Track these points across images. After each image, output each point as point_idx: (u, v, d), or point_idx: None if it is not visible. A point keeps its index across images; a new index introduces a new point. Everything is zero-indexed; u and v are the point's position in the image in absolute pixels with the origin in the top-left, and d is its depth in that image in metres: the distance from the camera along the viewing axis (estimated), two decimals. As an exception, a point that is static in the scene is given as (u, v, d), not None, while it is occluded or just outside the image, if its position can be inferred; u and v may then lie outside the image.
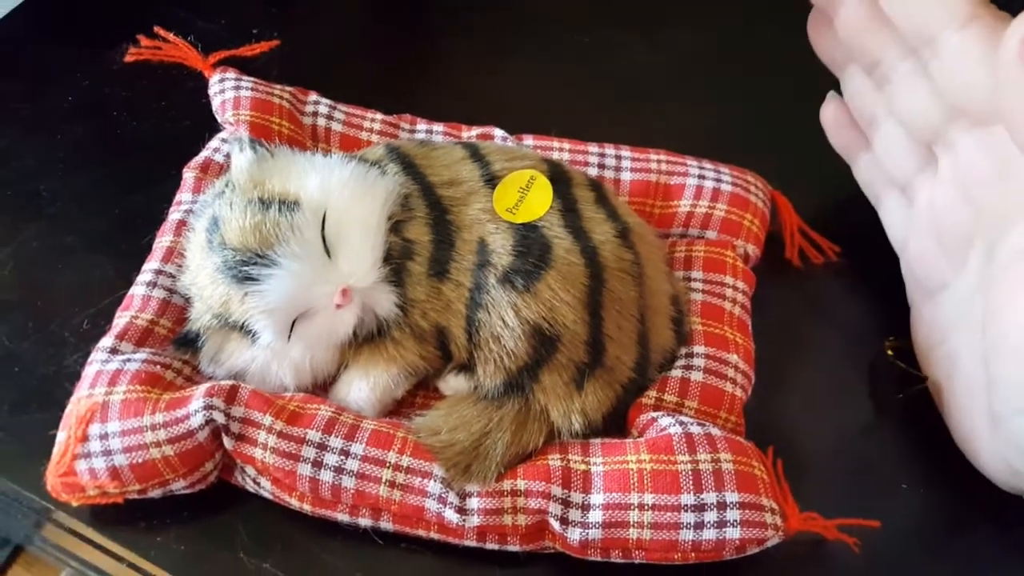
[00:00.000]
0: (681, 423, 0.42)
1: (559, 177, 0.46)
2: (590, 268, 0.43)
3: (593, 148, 0.54)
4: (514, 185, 0.46)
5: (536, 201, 0.45)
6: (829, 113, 0.54)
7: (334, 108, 0.55)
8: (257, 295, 0.41)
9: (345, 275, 0.42)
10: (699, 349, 0.46)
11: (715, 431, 0.42)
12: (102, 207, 0.56)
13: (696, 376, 0.45)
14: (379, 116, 0.55)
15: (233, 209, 0.42)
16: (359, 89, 0.59)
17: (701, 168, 0.53)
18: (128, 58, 0.58)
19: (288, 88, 0.55)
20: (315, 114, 0.55)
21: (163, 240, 0.49)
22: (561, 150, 0.53)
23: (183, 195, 0.51)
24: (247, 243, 0.41)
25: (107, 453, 0.41)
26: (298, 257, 0.41)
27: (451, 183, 0.45)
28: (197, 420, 0.41)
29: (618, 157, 0.54)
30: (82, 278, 0.52)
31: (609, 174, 0.53)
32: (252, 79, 0.55)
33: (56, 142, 0.59)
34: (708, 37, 0.70)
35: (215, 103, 0.54)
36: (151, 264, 0.48)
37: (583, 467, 0.41)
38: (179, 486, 0.41)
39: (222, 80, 0.54)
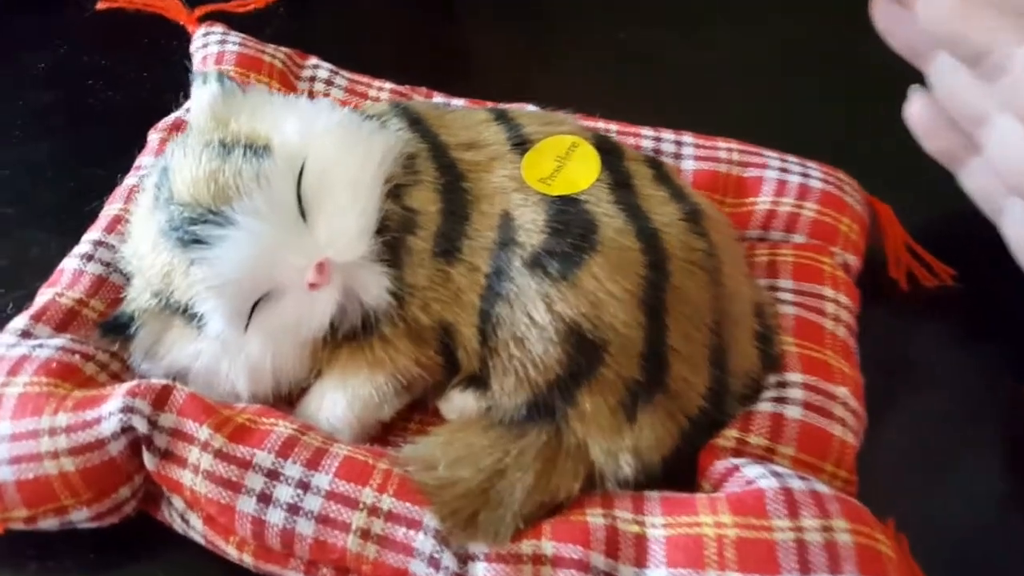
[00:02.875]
0: (776, 474, 0.31)
1: (607, 148, 0.37)
2: (649, 255, 0.33)
3: (647, 131, 0.45)
4: (550, 152, 0.36)
5: (578, 172, 0.35)
6: (917, 113, 0.45)
7: (336, 73, 0.48)
8: (205, 264, 0.32)
9: (323, 245, 0.33)
10: (795, 377, 0.35)
11: (822, 488, 0.31)
12: (55, 178, 0.50)
13: (793, 412, 0.34)
14: (388, 85, 0.48)
15: (187, 155, 0.33)
16: (367, 63, 0.51)
17: (783, 161, 0.44)
18: (100, 5, 0.51)
19: (284, 49, 0.48)
20: (313, 79, 0.47)
21: (111, 208, 0.41)
22: (607, 132, 0.44)
23: (144, 159, 0.44)
24: (199, 196, 0.32)
25: (-14, 464, 0.32)
26: (262, 216, 0.32)
27: (470, 145, 0.36)
28: (110, 426, 0.32)
29: (678, 143, 0.44)
30: (16, 256, 0.46)
31: (667, 161, 0.43)
32: (241, 35, 0.48)
33: (16, 108, 0.54)
34: (780, 31, 0.61)
35: (196, 59, 0.48)
36: (91, 234, 0.40)
37: (636, 529, 0.31)
38: (81, 516, 0.33)
39: (206, 35, 0.48)
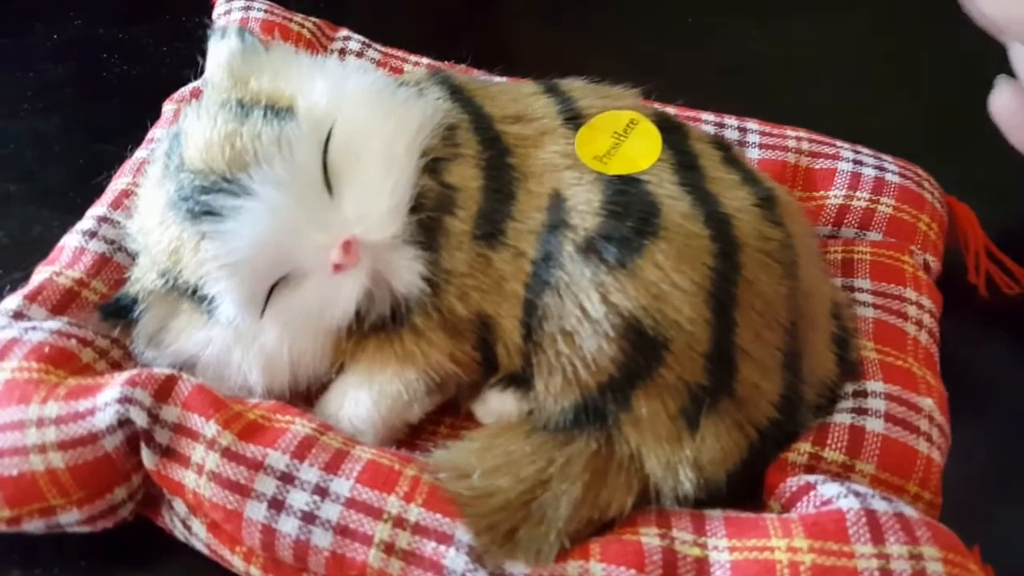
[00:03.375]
0: (857, 494, 0.27)
1: (670, 126, 0.33)
2: (719, 243, 0.29)
3: (708, 116, 0.41)
4: (606, 128, 0.32)
5: (637, 150, 0.32)
6: (1002, 103, 0.41)
7: (368, 46, 0.44)
8: (218, 239, 0.28)
9: (351, 222, 0.29)
10: (875, 386, 0.31)
11: (908, 510, 0.27)
12: (63, 154, 0.47)
13: (873, 425, 0.30)
14: (424, 60, 0.44)
15: (201, 116, 0.30)
16: (402, 41, 0.48)
17: (856, 152, 0.40)
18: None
19: (313, 19, 0.44)
20: (343, 51, 0.44)
21: (118, 182, 0.38)
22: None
23: (157, 131, 0.41)
24: (212, 162, 0.29)
25: (-35, 457, 0.28)
26: (283, 186, 0.28)
27: (517, 118, 0.33)
28: (105, 418, 0.28)
29: (742, 129, 0.41)
30: (17, 235, 0.42)
31: (730, 149, 0.39)
32: (267, 2, 0.45)
33: (27, 81, 0.51)
34: (855, 22, 0.57)
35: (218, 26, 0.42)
36: (96, 209, 0.37)
37: (697, 552, 0.27)
38: (71, 519, 0.30)
39: (230, 0, 0.43)
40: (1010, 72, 0.40)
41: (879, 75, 0.54)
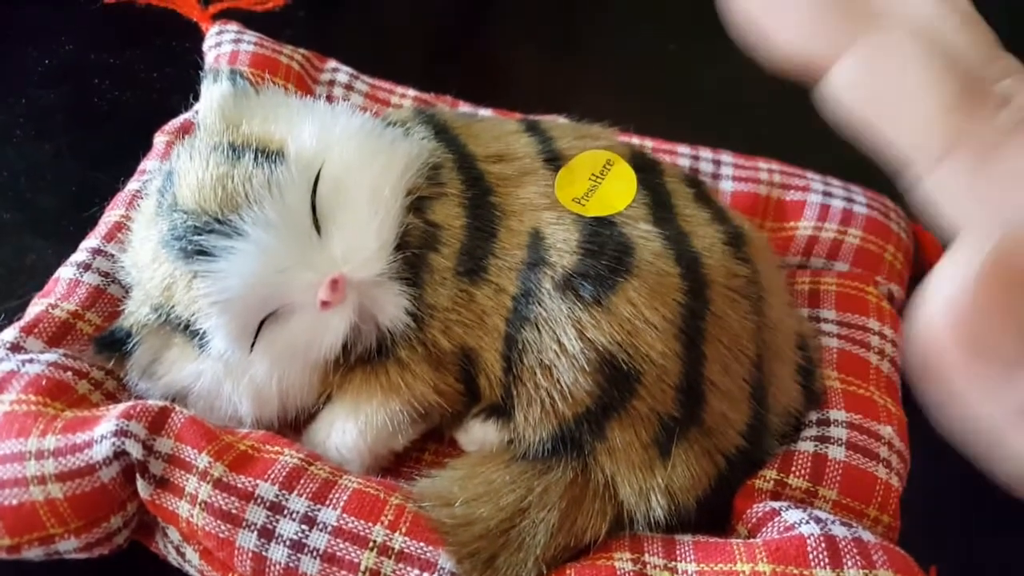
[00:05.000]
0: (818, 520, 0.28)
1: (645, 165, 0.35)
2: (688, 281, 0.31)
3: (684, 149, 0.42)
4: (584, 169, 0.34)
5: (613, 191, 0.33)
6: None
7: (356, 78, 0.45)
8: (210, 277, 0.29)
9: (338, 261, 0.30)
10: (838, 415, 0.33)
11: (866, 535, 0.28)
12: (56, 182, 0.47)
13: (836, 453, 0.32)
14: (411, 92, 0.45)
15: (193, 158, 0.31)
16: (390, 70, 0.48)
17: (826, 184, 0.41)
18: (109, -1, 0.48)
19: (302, 50, 0.45)
20: (332, 83, 0.45)
21: (111, 214, 0.39)
22: (642, 149, 0.41)
23: (149, 163, 0.41)
24: (204, 203, 0.30)
25: (-34, 488, 0.29)
26: (273, 227, 0.29)
27: (499, 157, 0.34)
28: (102, 451, 0.29)
29: (716, 162, 0.42)
30: (11, 263, 0.43)
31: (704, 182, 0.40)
32: (257, 34, 0.46)
33: (19, 107, 0.51)
34: None
35: (208, 58, 0.45)
36: (90, 242, 0.38)
37: (667, 575, 0.28)
38: (69, 547, 0.30)
39: (220, 32, 0.45)
40: None
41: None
